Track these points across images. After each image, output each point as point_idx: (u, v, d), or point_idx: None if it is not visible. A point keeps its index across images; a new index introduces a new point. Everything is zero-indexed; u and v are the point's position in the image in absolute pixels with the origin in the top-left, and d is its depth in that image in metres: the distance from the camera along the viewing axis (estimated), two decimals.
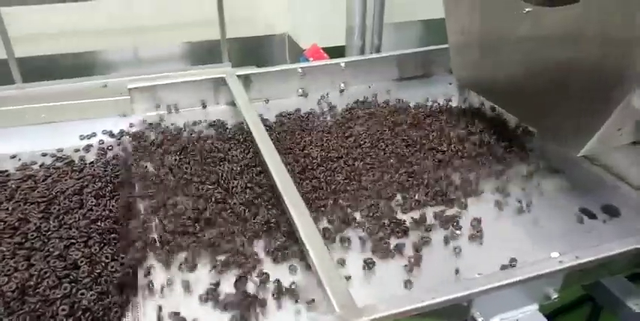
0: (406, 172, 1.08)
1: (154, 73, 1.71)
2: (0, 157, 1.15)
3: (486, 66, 1.19)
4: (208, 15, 2.27)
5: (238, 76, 1.33)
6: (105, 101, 1.30)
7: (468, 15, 1.17)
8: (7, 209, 0.96)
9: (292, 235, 0.89)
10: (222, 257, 0.89)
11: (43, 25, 2.02)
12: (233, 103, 1.32)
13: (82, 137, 1.24)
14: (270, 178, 0.98)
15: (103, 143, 1.22)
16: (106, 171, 1.08)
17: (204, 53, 2.38)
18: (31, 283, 0.79)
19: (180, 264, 0.88)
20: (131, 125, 1.27)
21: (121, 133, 1.24)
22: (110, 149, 1.19)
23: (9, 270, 0.82)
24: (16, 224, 0.91)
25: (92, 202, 0.98)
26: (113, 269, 0.84)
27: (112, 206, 0.98)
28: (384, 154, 1.14)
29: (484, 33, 1.15)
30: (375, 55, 1.51)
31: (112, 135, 1.25)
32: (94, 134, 1.25)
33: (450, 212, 0.99)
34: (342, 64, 1.42)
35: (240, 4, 2.38)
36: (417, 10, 2.44)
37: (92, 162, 1.14)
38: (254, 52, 2.51)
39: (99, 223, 0.93)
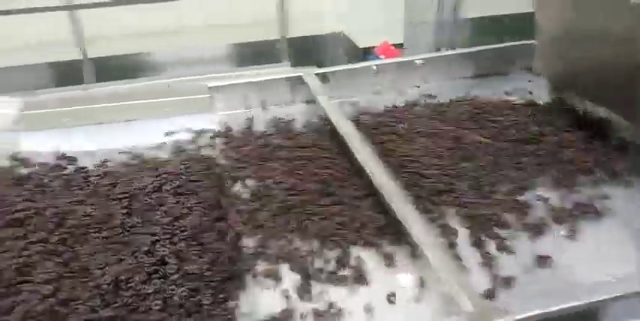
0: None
1: (215, 73, 1.76)
2: (77, 154, 1.20)
3: (580, 59, 1.15)
4: (259, 15, 2.32)
5: (316, 74, 1.36)
6: (180, 100, 1.34)
7: (562, 9, 1.13)
8: (92, 205, 1.00)
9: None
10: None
11: (114, 26, 2.14)
12: (308, 102, 1.36)
13: (160, 135, 1.27)
14: (369, 178, 1.00)
15: (180, 142, 1.25)
16: (187, 169, 1.11)
17: (253, 53, 2.43)
18: (123, 277, 0.82)
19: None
20: (210, 123, 1.30)
21: (200, 131, 1.28)
22: (190, 147, 1.22)
23: (101, 264, 0.85)
24: (103, 219, 0.95)
25: (171, 199, 1.01)
26: (203, 266, 0.86)
27: (194, 204, 1.00)
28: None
29: (580, 26, 1.11)
30: (451, 52, 1.49)
31: (190, 133, 1.28)
32: (171, 132, 1.28)
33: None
34: (418, 61, 1.41)
35: (294, 4, 2.42)
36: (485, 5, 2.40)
37: (170, 160, 1.17)
38: (308, 51, 2.55)
39: (181, 221, 0.95)
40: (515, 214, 0.97)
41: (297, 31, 2.45)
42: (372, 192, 1.00)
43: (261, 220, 0.98)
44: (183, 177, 1.08)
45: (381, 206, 0.96)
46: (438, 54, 1.50)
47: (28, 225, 0.94)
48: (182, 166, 1.11)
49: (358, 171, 1.06)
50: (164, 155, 1.19)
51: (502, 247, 0.90)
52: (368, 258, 0.89)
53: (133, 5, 2.01)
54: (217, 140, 1.24)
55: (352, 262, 0.88)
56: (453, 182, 1.04)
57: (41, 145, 1.21)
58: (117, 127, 1.31)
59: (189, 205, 0.99)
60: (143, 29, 2.17)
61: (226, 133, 1.27)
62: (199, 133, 1.27)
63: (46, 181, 1.09)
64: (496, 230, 0.94)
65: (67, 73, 2.11)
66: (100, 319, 0.76)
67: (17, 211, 0.96)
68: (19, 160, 1.16)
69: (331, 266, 0.88)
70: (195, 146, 1.23)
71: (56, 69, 2.17)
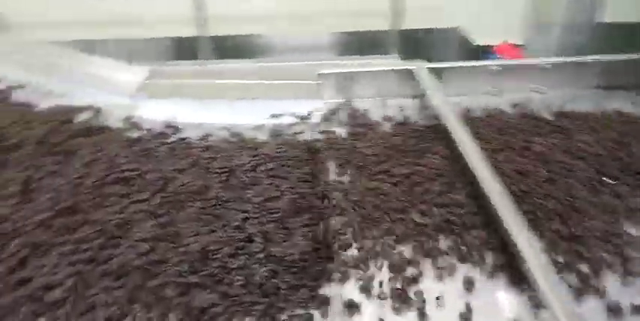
0: None
1: (318, 61, 1.76)
2: (185, 126, 1.27)
3: None
4: (370, 4, 2.29)
5: (428, 69, 1.31)
6: (289, 83, 1.37)
7: None
8: (192, 175, 1.05)
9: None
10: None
11: (233, 6, 2.25)
12: (416, 97, 1.31)
13: (263, 116, 1.30)
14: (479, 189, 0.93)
15: (281, 125, 1.27)
16: (284, 152, 1.13)
17: (361, 43, 2.41)
18: (212, 248, 0.85)
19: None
20: (316, 110, 1.31)
21: (304, 117, 1.29)
22: (289, 132, 1.24)
23: (193, 232, 0.89)
24: (200, 190, 1.00)
25: (265, 181, 1.03)
26: (286, 250, 0.86)
27: (286, 188, 1.01)
28: None
29: None
30: (584, 58, 1.35)
31: (294, 117, 1.29)
32: (276, 115, 1.30)
33: None
34: (544, 65, 1.30)
35: None
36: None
37: (267, 142, 1.19)
38: (417, 44, 2.47)
39: (272, 203, 0.97)
40: None
41: (409, 23, 2.39)
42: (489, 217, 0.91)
43: (354, 214, 0.95)
44: (279, 160, 1.10)
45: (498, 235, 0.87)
46: (569, 59, 1.36)
47: (132, 185, 1.01)
48: (279, 150, 1.13)
49: (467, 177, 1.00)
50: (262, 137, 1.22)
51: None
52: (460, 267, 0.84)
53: None
54: (321, 127, 1.24)
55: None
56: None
57: (155, 112, 1.30)
58: (224, 104, 1.36)
59: (282, 188, 1.01)
60: (257, 12, 2.26)
61: (331, 122, 1.26)
62: (304, 118, 1.28)
63: (151, 146, 1.16)
64: None
65: (184, 49, 2.26)
66: (186, 284, 0.79)
67: (124, 170, 1.04)
68: (132, 123, 1.26)
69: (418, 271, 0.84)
70: (296, 131, 1.24)
71: (175, 44, 2.34)
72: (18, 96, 1.25)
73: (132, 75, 1.38)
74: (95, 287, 0.78)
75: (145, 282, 0.80)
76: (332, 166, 1.08)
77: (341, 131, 1.21)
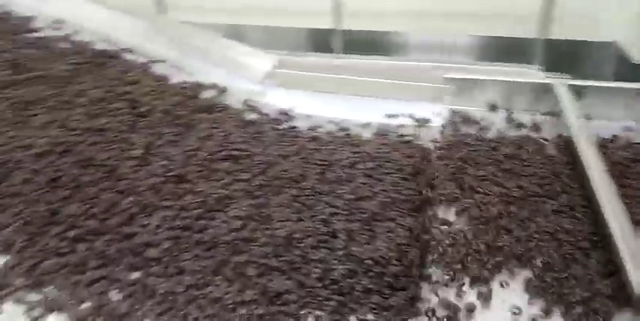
0: None
1: (454, 64, 1.69)
2: (298, 115, 1.32)
3: None
4: (518, 9, 2.13)
5: (570, 85, 1.20)
6: (411, 85, 1.34)
7: None
8: (293, 162, 1.09)
9: None
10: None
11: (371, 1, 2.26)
12: (552, 113, 1.21)
13: (377, 114, 1.29)
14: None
15: (390, 126, 1.25)
16: (386, 153, 1.11)
17: (501, 49, 2.25)
18: (297, 236, 0.88)
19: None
20: (436, 115, 1.27)
21: (421, 120, 1.26)
22: (401, 133, 1.22)
23: (282, 217, 0.92)
24: (297, 178, 1.03)
25: (361, 179, 1.03)
26: (369, 253, 0.85)
27: (380, 190, 0.99)
28: None
29: None
30: None
31: (410, 119, 1.27)
32: (392, 115, 1.28)
33: None
34: None
35: (566, 2, 2.14)
36: None
37: (371, 140, 1.19)
38: (564, 57, 2.25)
39: (363, 202, 0.96)
40: None
41: (558, 32, 2.18)
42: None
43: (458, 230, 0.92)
44: (379, 161, 1.08)
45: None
46: None
47: (239, 164, 1.07)
48: (380, 150, 1.12)
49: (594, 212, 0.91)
50: (368, 135, 1.22)
51: None
52: None
53: None
54: (437, 134, 1.20)
55: None
56: None
57: (275, 99, 1.37)
58: (342, 99, 1.38)
59: (376, 189, 0.99)
60: (397, 8, 2.23)
61: (450, 129, 1.21)
62: (420, 122, 1.25)
63: (263, 130, 1.23)
64: None
65: (317, 41, 2.32)
66: (267, 266, 0.83)
67: (235, 149, 1.11)
68: (250, 106, 1.34)
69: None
70: (404, 134, 1.21)
71: (308, 35, 2.41)
72: (157, 68, 1.39)
73: (263, 62, 1.46)
74: (187, 253, 0.85)
75: (230, 257, 0.85)
76: (442, 177, 1.04)
77: (458, 141, 1.15)
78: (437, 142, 1.16)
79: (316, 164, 1.09)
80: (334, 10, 2.13)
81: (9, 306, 0.74)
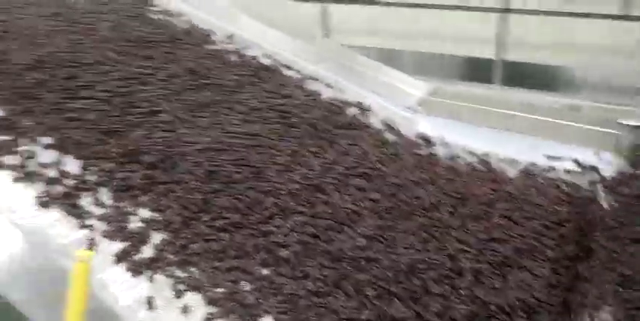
0: None
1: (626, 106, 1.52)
2: (439, 142, 1.32)
3: None
4: None
5: None
6: (578, 127, 1.25)
7: None
8: (426, 190, 1.08)
9: None
10: None
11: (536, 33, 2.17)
12: None
13: (531, 154, 1.22)
14: None
15: (540, 167, 1.18)
16: (529, 195, 1.06)
17: None
18: (420, 266, 0.87)
19: None
20: (604, 164, 1.16)
21: (588, 167, 1.16)
22: (554, 177, 1.15)
23: (408, 244, 0.92)
24: (428, 207, 1.02)
25: (497, 219, 0.98)
26: (494, 299, 0.81)
27: (517, 234, 0.94)
28: None
29: None
30: None
31: (577, 165, 1.17)
32: (553, 157, 1.20)
33: None
34: None
35: None
36: None
37: (517, 180, 1.13)
38: None
39: (496, 244, 0.92)
40: None
41: None
42: None
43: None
44: (522, 203, 1.03)
45: None
46: None
47: (372, 183, 1.11)
48: (527, 192, 1.06)
49: None
50: (512, 173, 1.16)
51: None
52: None
53: (558, 16, 1.97)
54: (601, 184, 1.10)
55: None
56: None
57: (419, 124, 1.39)
58: (488, 131, 1.35)
59: (512, 233, 0.95)
60: (565, 41, 2.10)
61: (621, 185, 1.09)
62: (583, 168, 1.15)
63: (400, 152, 1.24)
64: None
65: (474, 70, 2.29)
66: (387, 290, 0.84)
67: (370, 167, 1.15)
68: (390, 127, 1.37)
69: None
70: (556, 178, 1.13)
71: (465, 63, 2.39)
72: (310, 85, 1.50)
73: (414, 89, 1.48)
74: (313, 260, 0.89)
75: (352, 273, 0.88)
76: (603, 239, 0.93)
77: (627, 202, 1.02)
78: (603, 192, 1.06)
79: (450, 196, 1.07)
80: (497, 40, 2.08)
81: (159, 276, 0.85)
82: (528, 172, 1.16)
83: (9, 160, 0.98)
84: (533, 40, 2.10)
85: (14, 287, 0.77)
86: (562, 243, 0.94)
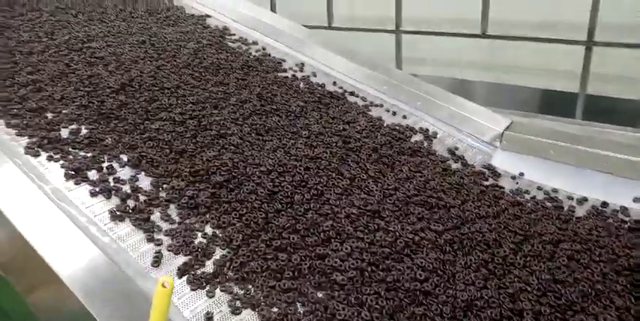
0: None
1: None
2: (503, 174, 1.30)
3: None
4: None
5: None
6: None
7: None
8: (490, 225, 1.05)
9: None
10: None
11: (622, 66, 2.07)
12: None
13: (601, 193, 1.17)
14: None
15: (611, 207, 1.14)
16: (597, 236, 1.00)
17: None
18: (478, 303, 0.84)
19: None
20: None
21: None
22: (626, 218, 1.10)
23: (467, 280, 0.90)
24: (490, 242, 0.99)
25: (564, 260, 0.94)
26: None
27: (583, 276, 0.89)
28: None
29: None
30: None
31: None
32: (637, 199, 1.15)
33: None
34: None
35: None
36: None
37: (586, 219, 1.07)
38: None
39: (560, 285, 0.88)
40: None
41: None
42: None
43: None
44: (587, 244, 0.98)
45: None
46: None
47: (433, 212, 1.10)
48: (594, 233, 1.01)
49: None
50: (581, 212, 1.11)
51: None
52: None
53: None
54: None
55: None
56: None
57: (490, 157, 1.37)
58: (560, 166, 1.28)
59: (577, 275, 0.91)
60: None
61: None
62: None
63: (465, 182, 1.22)
64: None
65: (555, 104, 2.21)
66: None
67: (431, 196, 1.14)
68: (455, 155, 1.36)
69: None
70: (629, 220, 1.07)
71: (546, 97, 2.31)
72: (375, 111, 1.52)
73: (491, 122, 1.44)
74: (369, 288, 0.89)
75: (408, 306, 0.87)
76: None
77: None
78: None
79: (515, 232, 1.04)
80: (582, 73, 1.99)
81: (219, 292, 0.89)
82: (599, 212, 1.10)
83: (92, 175, 1.08)
84: (618, 74, 2.00)
85: (91, 299, 0.82)
86: (632, 290, 0.88)
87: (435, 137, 1.43)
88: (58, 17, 1.67)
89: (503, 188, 1.23)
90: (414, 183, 1.19)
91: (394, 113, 1.52)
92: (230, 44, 1.73)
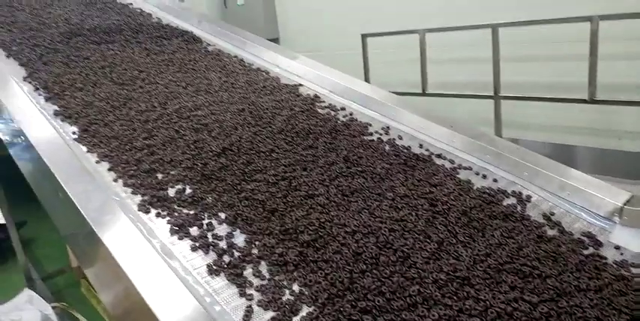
0: None
1: None
2: (606, 243, 1.23)
3: None
4: None
5: None
6: None
7: None
8: (591, 300, 1.00)
9: None
10: None
11: None
12: None
13: None
14: None
15: None
16: None
17: None
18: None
19: None
20: None
21: None
22: None
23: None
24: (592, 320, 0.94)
25: None
26: None
27: None
28: None
29: None
30: None
31: None
32: None
33: None
34: None
35: None
36: None
37: None
38: None
39: None
40: None
41: None
42: None
43: None
44: None
45: None
46: None
47: (528, 282, 1.06)
48: None
49: None
50: None
51: None
52: None
53: None
54: None
55: None
56: None
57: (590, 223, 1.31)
58: None
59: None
60: None
61: None
62: None
63: (563, 250, 1.18)
64: None
65: None
66: None
67: (525, 265, 1.10)
68: (551, 221, 1.33)
69: None
70: None
71: None
72: (463, 174, 1.54)
73: (609, 195, 1.39)
74: None
75: None
76: None
77: None
78: None
79: (619, 311, 0.97)
80: None
81: None
82: None
83: (193, 231, 1.20)
84: None
85: None
86: None
87: (529, 201, 1.40)
88: (171, 89, 1.94)
89: (606, 259, 1.16)
90: (506, 249, 1.16)
91: (484, 176, 1.52)
92: (320, 111, 1.87)
